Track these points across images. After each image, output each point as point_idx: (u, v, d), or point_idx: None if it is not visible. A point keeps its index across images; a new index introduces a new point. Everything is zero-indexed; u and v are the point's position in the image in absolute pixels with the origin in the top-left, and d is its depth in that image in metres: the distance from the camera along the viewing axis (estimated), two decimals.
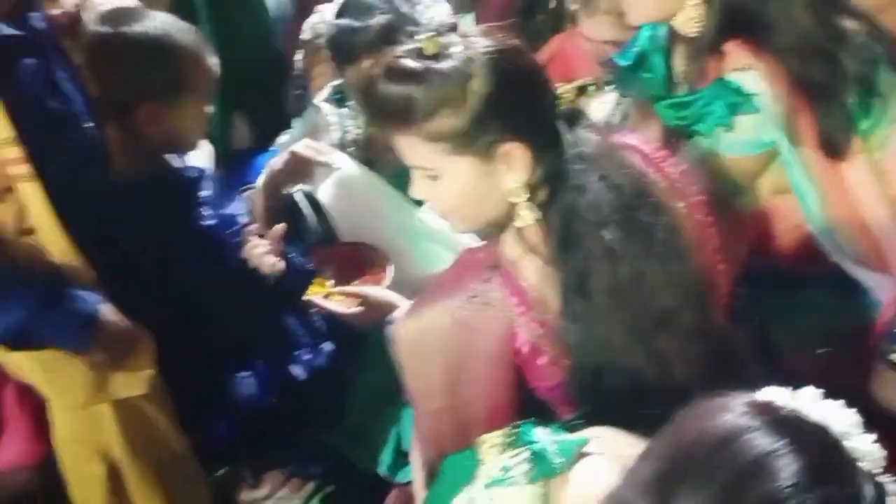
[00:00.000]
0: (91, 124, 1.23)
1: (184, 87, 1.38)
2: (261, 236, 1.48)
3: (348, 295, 1.46)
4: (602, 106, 2.09)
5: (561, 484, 0.91)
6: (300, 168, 1.62)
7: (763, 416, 0.69)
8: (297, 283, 1.49)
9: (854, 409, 0.75)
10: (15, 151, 1.11)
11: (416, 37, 1.10)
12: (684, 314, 1.07)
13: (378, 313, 1.40)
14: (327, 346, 1.56)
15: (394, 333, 1.13)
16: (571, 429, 1.00)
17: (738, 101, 1.33)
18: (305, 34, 2.28)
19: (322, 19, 2.25)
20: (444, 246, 1.59)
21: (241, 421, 1.50)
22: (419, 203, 1.56)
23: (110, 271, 1.23)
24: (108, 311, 1.22)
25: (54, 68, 1.20)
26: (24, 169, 1.12)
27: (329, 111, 1.84)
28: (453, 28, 2.37)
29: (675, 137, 1.46)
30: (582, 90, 2.15)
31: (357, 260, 1.58)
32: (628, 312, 1.04)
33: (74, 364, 1.22)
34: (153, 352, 1.28)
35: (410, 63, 1.04)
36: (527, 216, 1.06)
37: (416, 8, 1.82)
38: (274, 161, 1.67)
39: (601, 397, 1.04)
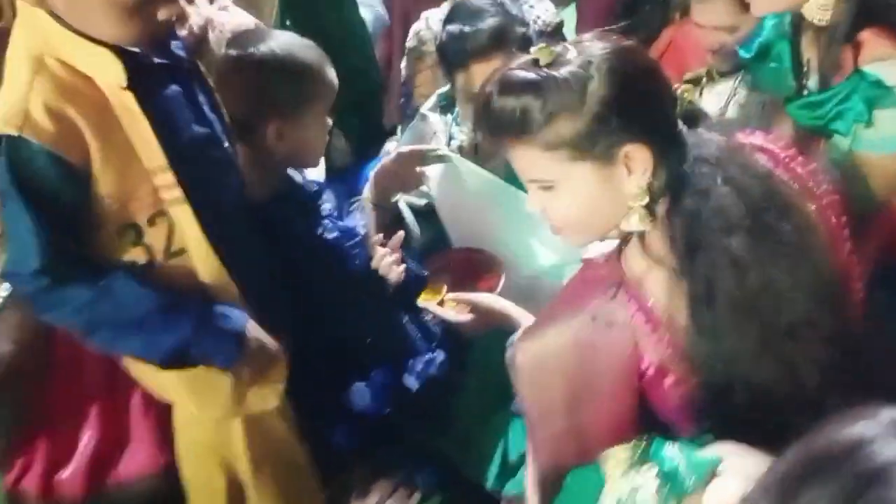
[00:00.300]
0: (227, 144, 1.27)
1: (307, 102, 1.41)
2: (382, 245, 1.51)
3: (461, 302, 1.46)
4: (716, 97, 2.01)
5: None
6: (407, 169, 1.61)
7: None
8: (414, 290, 1.51)
9: None
10: (168, 177, 1.16)
11: (530, 47, 1.08)
12: (817, 322, 1.00)
13: (489, 321, 1.40)
14: (440, 356, 1.56)
15: (511, 357, 1.10)
16: (700, 446, 0.95)
17: (878, 94, 1.24)
18: (410, 41, 2.29)
19: (427, 25, 2.26)
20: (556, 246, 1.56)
21: (357, 430, 1.51)
22: None
23: (246, 285, 1.26)
24: (253, 328, 1.26)
25: (196, 92, 1.24)
26: (177, 193, 1.16)
27: (436, 119, 1.83)
28: (560, 26, 2.34)
29: (809, 135, 1.38)
30: (696, 82, 2.08)
31: (470, 266, 1.58)
32: (759, 323, 0.99)
33: (217, 379, 1.25)
34: (286, 365, 1.30)
35: (526, 74, 1.02)
36: (644, 222, 1.03)
37: (523, 8, 1.78)
38: (380, 166, 1.67)
39: (730, 413, 0.98)
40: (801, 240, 1.01)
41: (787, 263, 0.99)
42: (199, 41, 1.54)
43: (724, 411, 0.99)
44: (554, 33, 2.21)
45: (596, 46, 1.03)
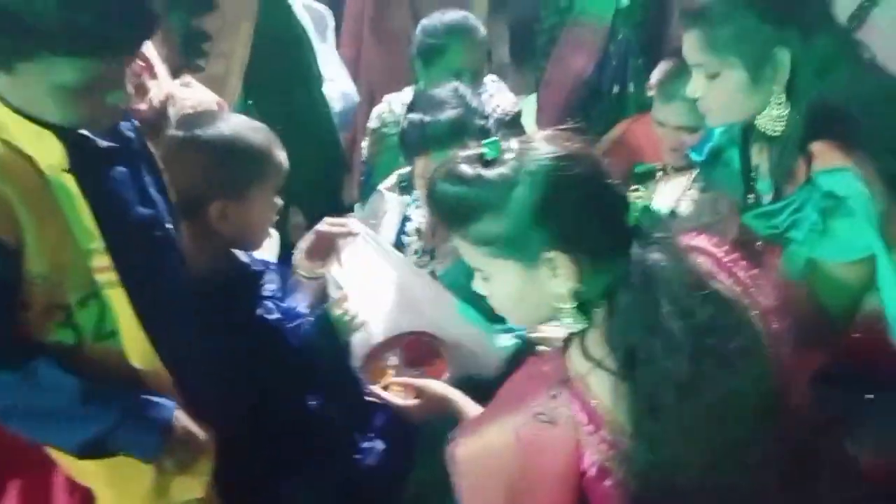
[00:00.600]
0: (170, 226, 1.26)
1: (253, 184, 1.42)
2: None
3: (407, 387, 1.44)
4: (670, 191, 2.07)
5: None
6: (324, 245, 1.62)
7: None
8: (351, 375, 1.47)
9: None
10: (103, 260, 1.14)
11: (483, 140, 1.10)
12: (762, 435, 1.01)
13: (435, 408, 1.38)
14: (379, 445, 1.53)
15: (452, 452, 1.08)
16: None
17: (831, 204, 1.29)
18: (372, 122, 2.33)
19: (389, 108, 2.31)
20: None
21: None
22: None
23: (178, 370, 1.24)
24: (182, 418, 1.23)
25: (142, 173, 1.24)
26: (111, 276, 1.15)
27: (390, 198, 1.86)
28: (518, 116, 2.41)
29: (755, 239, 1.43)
30: (649, 176, 2.15)
31: (420, 349, 1.56)
32: (702, 436, 0.99)
33: (138, 468, 1.22)
34: (213, 454, 1.27)
35: (465, 168, 1.06)
36: (573, 326, 1.05)
37: (482, 98, 1.84)
38: (301, 241, 1.68)
39: None
40: (746, 355, 1.02)
41: (731, 382, 1.00)
42: (159, 116, 1.55)
43: None
44: (512, 123, 2.28)
45: (538, 151, 1.04)
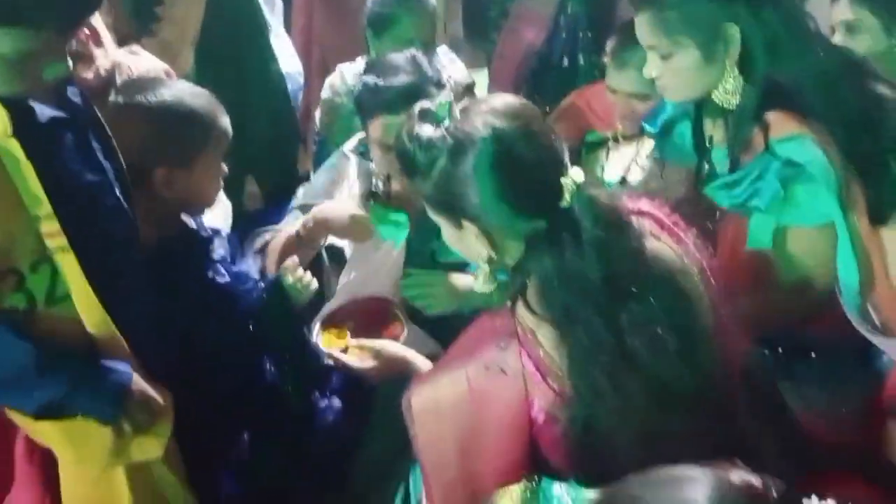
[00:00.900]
0: (120, 192, 1.26)
1: (197, 150, 1.41)
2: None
3: (364, 348, 1.47)
4: (620, 159, 2.12)
5: None
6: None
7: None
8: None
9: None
10: (52, 225, 1.14)
11: (437, 98, 1.14)
12: (691, 386, 1.06)
13: (392, 368, 1.41)
14: (336, 403, 1.56)
15: (407, 402, 1.12)
16: (585, 487, 1.00)
17: (790, 171, 1.32)
18: (325, 92, 2.33)
19: (342, 79, 2.31)
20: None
21: (252, 481, 1.49)
22: None
23: (133, 334, 1.24)
24: (139, 382, 1.24)
25: (90, 139, 1.23)
26: (61, 241, 1.14)
27: (355, 162, 1.88)
28: (471, 87, 2.43)
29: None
30: (599, 145, 2.19)
31: (375, 314, 1.59)
32: (633, 385, 1.04)
33: (96, 429, 1.23)
34: (172, 415, 1.29)
35: (420, 125, 1.10)
36: (487, 285, 1.12)
37: (437, 68, 1.86)
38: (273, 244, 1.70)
39: (604, 465, 1.01)
40: (679, 309, 1.07)
41: (664, 332, 1.04)
42: (106, 84, 1.53)
43: (599, 464, 1.02)
44: (464, 94, 2.30)
45: (470, 123, 1.07)
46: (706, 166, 1.51)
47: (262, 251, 1.72)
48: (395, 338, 1.53)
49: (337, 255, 1.85)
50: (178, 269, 1.39)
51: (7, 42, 1.04)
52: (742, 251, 1.45)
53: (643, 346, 1.04)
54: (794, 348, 1.48)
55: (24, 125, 1.11)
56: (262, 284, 1.52)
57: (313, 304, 1.62)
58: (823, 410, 1.43)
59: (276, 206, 2.30)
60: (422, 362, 1.39)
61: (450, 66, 2.38)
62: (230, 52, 2.31)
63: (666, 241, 1.14)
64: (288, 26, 2.76)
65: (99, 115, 1.28)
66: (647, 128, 1.69)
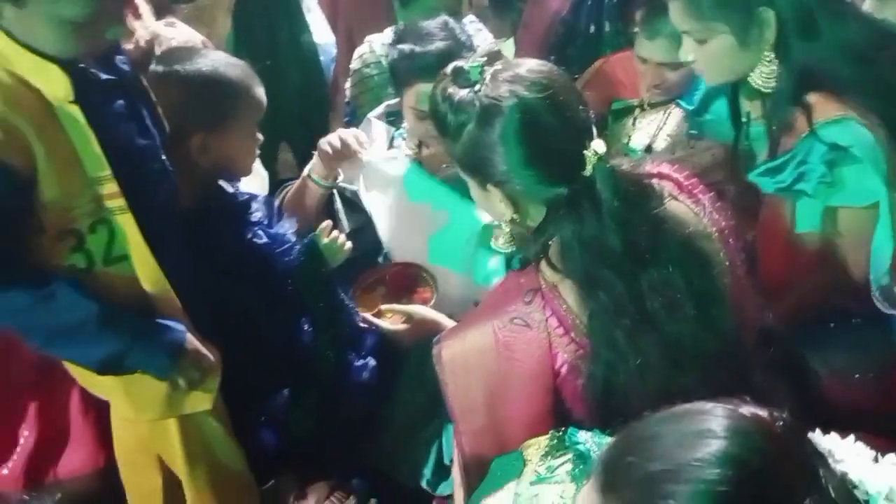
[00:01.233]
0: (165, 156, 1.32)
1: (231, 118, 1.47)
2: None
3: (396, 313, 1.53)
4: (647, 127, 2.13)
5: None
6: (339, 154, 1.70)
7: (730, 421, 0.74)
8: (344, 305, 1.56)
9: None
10: (112, 187, 1.20)
11: (470, 58, 1.16)
12: (707, 346, 1.10)
13: (423, 331, 1.46)
14: (371, 362, 1.62)
15: (437, 354, 1.18)
16: (610, 435, 1.03)
17: (836, 154, 1.30)
18: (355, 63, 2.36)
19: (370, 49, 2.34)
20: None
21: (289, 434, 1.56)
22: None
23: (180, 294, 1.30)
24: (192, 340, 1.31)
25: (139, 106, 1.29)
26: (120, 202, 1.21)
27: (379, 127, 1.91)
28: (498, 55, 2.44)
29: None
30: (626, 112, 2.21)
31: (405, 279, 1.66)
32: (651, 345, 1.08)
33: (152, 383, 1.30)
34: (220, 371, 1.35)
35: (452, 86, 1.14)
36: (507, 245, 1.18)
37: (469, 34, 1.88)
38: (322, 141, 1.75)
39: (623, 418, 1.05)
40: (697, 267, 1.11)
41: (682, 292, 1.08)
42: (146, 55, 1.58)
43: (623, 412, 1.05)
44: (494, 59, 2.32)
45: (497, 90, 1.09)
46: (744, 142, 1.52)
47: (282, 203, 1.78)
48: (426, 302, 1.59)
49: (349, 201, 1.90)
50: (218, 231, 1.45)
51: (75, 5, 1.10)
52: (785, 232, 1.46)
53: (662, 308, 1.08)
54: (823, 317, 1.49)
55: (82, 90, 1.17)
56: (297, 245, 1.57)
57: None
58: (844, 374, 1.46)
59: None
60: (451, 324, 1.43)
61: (476, 35, 2.40)
62: (265, 22, 2.35)
63: (684, 202, 1.18)
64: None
65: (144, 82, 1.33)
66: (684, 104, 1.69)
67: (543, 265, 1.15)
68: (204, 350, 1.32)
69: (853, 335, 1.50)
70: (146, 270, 1.26)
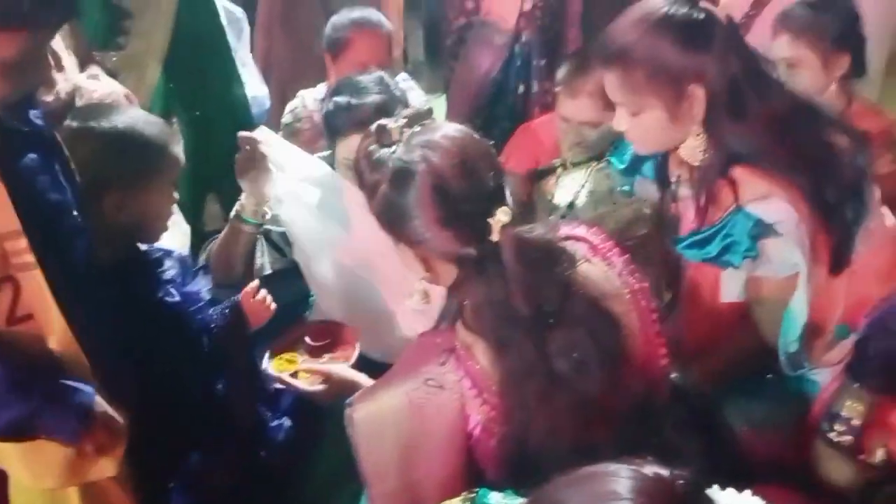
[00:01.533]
0: (77, 213, 1.29)
1: (148, 176, 1.45)
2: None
3: (314, 373, 1.51)
4: (570, 184, 2.20)
5: None
6: (248, 158, 1.72)
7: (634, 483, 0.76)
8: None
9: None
10: (21, 243, 1.15)
11: (399, 118, 1.18)
12: (616, 404, 1.13)
13: (341, 391, 1.42)
14: (286, 422, 1.59)
15: (349, 416, 1.17)
16: (521, 496, 1.03)
17: (760, 231, 1.36)
18: (286, 117, 2.37)
19: (302, 103, 2.37)
20: None
21: (198, 496, 1.52)
22: None
23: (89, 354, 1.26)
24: (100, 402, 1.25)
25: (52, 160, 1.26)
26: (29, 258, 1.16)
27: None
28: (429, 113, 2.49)
29: None
30: (550, 172, 2.28)
31: (326, 336, 1.63)
32: (561, 404, 1.10)
33: (53, 449, 1.24)
34: (126, 434, 1.30)
35: (371, 142, 1.16)
36: (420, 304, 1.19)
37: (402, 89, 1.92)
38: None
39: (537, 477, 1.05)
40: (605, 327, 1.13)
41: (590, 353, 1.10)
42: (65, 108, 1.56)
43: (536, 471, 1.05)
44: (422, 118, 2.36)
45: (410, 153, 1.11)
46: (669, 202, 1.56)
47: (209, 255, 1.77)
48: (346, 360, 1.57)
49: (274, 244, 1.90)
50: (131, 289, 1.43)
51: (8, 46, 1.06)
52: (709, 295, 1.51)
53: (571, 369, 1.09)
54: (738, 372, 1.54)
55: None
56: (213, 305, 1.55)
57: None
58: (761, 427, 1.51)
59: None
60: (370, 384, 1.43)
61: (408, 92, 2.45)
62: (196, 72, 2.35)
63: (597, 264, 1.21)
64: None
65: (59, 137, 1.31)
66: (616, 163, 1.73)
67: (459, 325, 1.16)
68: (113, 412, 1.28)
69: (769, 390, 1.56)
70: (54, 329, 1.21)
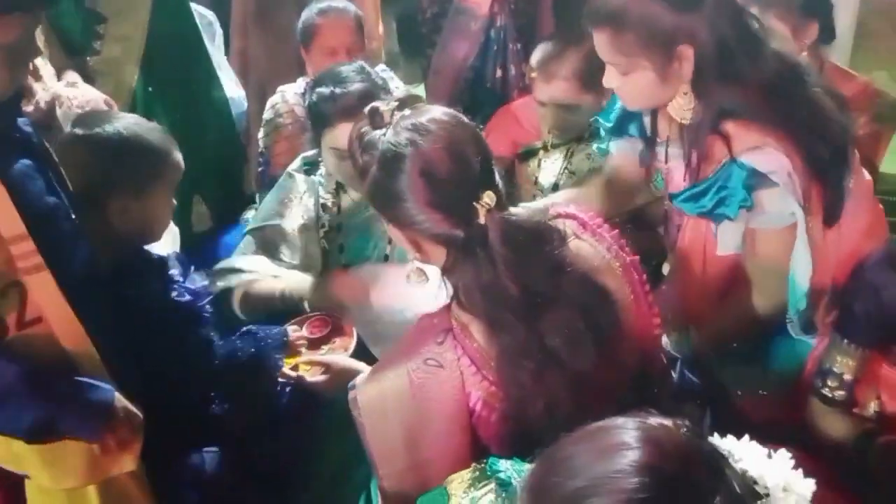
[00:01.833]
0: (74, 217, 1.29)
1: (152, 182, 1.47)
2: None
3: (315, 364, 1.53)
4: (551, 166, 2.22)
5: None
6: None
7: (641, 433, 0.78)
8: (271, 355, 1.57)
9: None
10: (27, 245, 1.15)
11: (390, 101, 1.19)
12: (612, 377, 1.14)
13: (343, 380, 1.42)
14: (290, 413, 1.61)
15: (353, 399, 1.19)
16: (528, 462, 1.05)
17: (755, 181, 1.37)
18: (267, 113, 2.37)
19: (283, 99, 2.37)
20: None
21: (210, 492, 1.53)
22: None
23: (100, 353, 1.27)
24: (119, 398, 1.27)
25: (44, 167, 1.26)
26: (37, 260, 1.16)
27: (301, 179, 1.93)
28: (415, 100, 2.50)
29: None
30: (532, 154, 2.30)
31: (323, 328, 1.66)
32: (557, 380, 1.12)
33: (74, 448, 1.24)
34: (143, 429, 1.31)
35: (364, 124, 1.18)
36: (418, 277, 1.19)
37: (383, 77, 1.94)
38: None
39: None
40: (598, 301, 1.15)
41: (582, 328, 1.12)
42: (46, 116, 1.55)
43: (537, 446, 1.10)
44: (410, 103, 2.37)
45: (397, 136, 1.12)
46: (665, 165, 1.55)
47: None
48: (345, 350, 1.59)
49: None
50: (139, 291, 1.44)
51: (10, 29, 1.08)
52: (703, 256, 1.53)
53: (564, 346, 1.11)
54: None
55: None
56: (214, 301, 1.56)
57: None
58: (754, 390, 1.56)
59: (223, 226, 2.35)
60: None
61: (388, 81, 2.46)
62: (175, 75, 2.35)
63: (587, 240, 1.23)
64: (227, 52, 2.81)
65: (47, 145, 1.31)
66: (602, 121, 1.73)
67: (454, 305, 1.18)
68: (132, 407, 1.29)
69: (761, 353, 1.59)
70: (67, 329, 1.22)
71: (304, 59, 2.33)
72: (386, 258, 1.87)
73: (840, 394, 1.40)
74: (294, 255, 1.86)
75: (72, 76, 1.98)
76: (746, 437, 0.86)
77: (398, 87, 2.49)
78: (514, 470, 1.03)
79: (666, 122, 1.52)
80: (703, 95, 1.37)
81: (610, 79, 1.45)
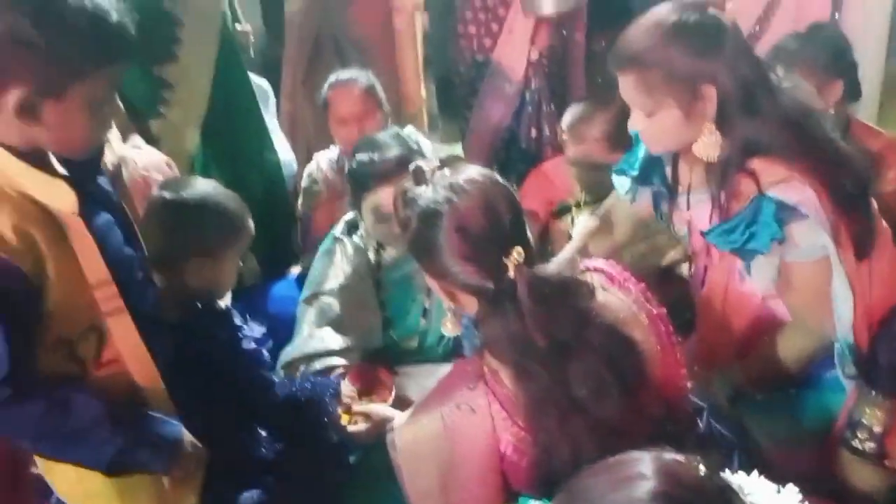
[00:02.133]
0: (144, 268, 1.40)
1: (228, 245, 1.59)
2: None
3: (356, 413, 1.60)
4: (583, 222, 2.29)
5: None
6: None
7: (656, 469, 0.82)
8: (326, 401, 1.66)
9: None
10: (111, 289, 1.25)
11: (432, 161, 1.28)
12: (637, 426, 1.17)
13: (382, 430, 1.48)
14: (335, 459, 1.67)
15: (391, 441, 1.25)
16: None
17: (785, 214, 1.38)
18: (304, 181, 2.50)
19: (317, 166, 2.48)
20: None
21: None
22: None
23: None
24: (186, 432, 1.36)
25: (121, 221, 1.37)
26: (118, 303, 1.25)
27: (349, 242, 2.03)
28: (456, 160, 2.59)
29: None
30: (565, 211, 2.38)
31: (364, 380, 1.74)
32: (582, 428, 1.15)
33: (144, 481, 1.33)
34: (205, 465, 1.40)
35: (408, 181, 1.26)
36: (452, 329, 1.28)
37: (417, 142, 2.04)
38: None
39: None
40: (624, 352, 1.19)
41: (608, 379, 1.15)
42: (114, 177, 1.67)
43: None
44: (451, 163, 2.46)
45: (436, 193, 1.19)
46: (688, 212, 1.58)
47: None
48: (384, 401, 1.66)
49: None
50: (212, 338, 1.54)
51: (101, 85, 1.17)
52: (727, 299, 1.56)
53: (589, 396, 1.15)
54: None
55: (81, 202, 1.23)
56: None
57: None
58: (783, 443, 1.54)
59: (271, 280, 2.45)
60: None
61: (421, 143, 2.56)
62: (231, 139, 2.46)
63: (615, 293, 1.27)
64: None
65: (121, 202, 1.42)
66: (627, 170, 1.75)
67: (486, 353, 1.23)
68: (197, 442, 1.37)
69: (790, 407, 1.59)
70: (142, 368, 1.30)
71: None
72: (425, 311, 1.96)
73: (870, 445, 1.39)
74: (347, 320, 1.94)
75: (136, 139, 2.11)
76: (755, 472, 0.89)
77: (428, 146, 2.60)
78: None
79: (687, 169, 1.56)
80: (729, 132, 1.40)
81: (635, 122, 1.48)
